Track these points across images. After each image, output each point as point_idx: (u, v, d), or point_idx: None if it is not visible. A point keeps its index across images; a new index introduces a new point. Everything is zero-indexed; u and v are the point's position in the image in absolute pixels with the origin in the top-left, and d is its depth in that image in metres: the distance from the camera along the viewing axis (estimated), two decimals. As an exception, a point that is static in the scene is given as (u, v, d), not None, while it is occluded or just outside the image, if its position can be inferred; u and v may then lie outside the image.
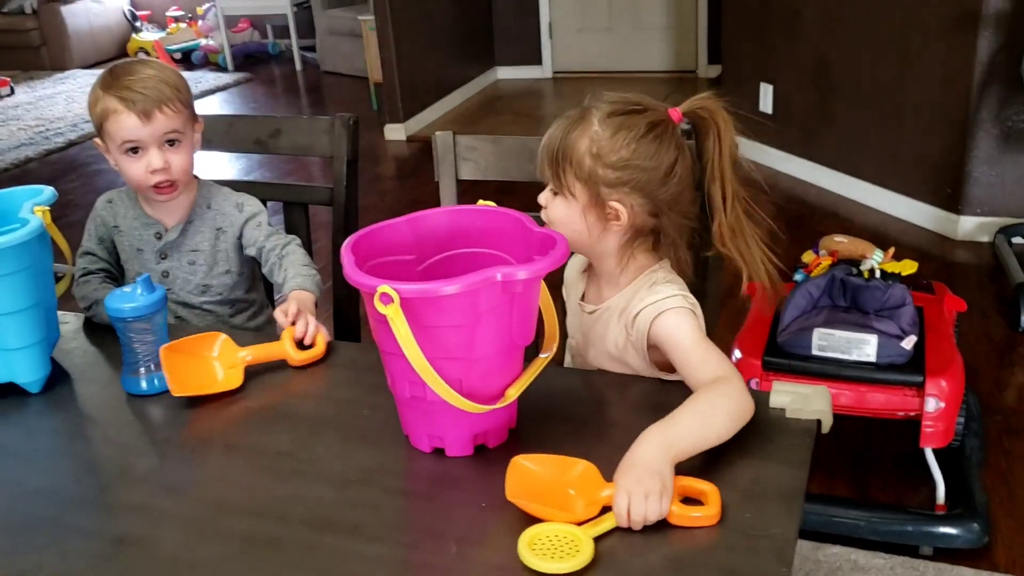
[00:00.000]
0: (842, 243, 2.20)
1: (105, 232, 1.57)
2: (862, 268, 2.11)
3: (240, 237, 1.58)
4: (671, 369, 1.23)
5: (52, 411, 1.27)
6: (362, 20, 5.62)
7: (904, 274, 2.11)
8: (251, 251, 1.58)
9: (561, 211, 1.24)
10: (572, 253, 1.27)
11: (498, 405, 1.06)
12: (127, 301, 1.23)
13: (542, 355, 1.14)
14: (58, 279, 1.41)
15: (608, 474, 0.98)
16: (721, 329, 1.72)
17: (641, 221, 1.25)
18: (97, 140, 1.53)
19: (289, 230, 1.77)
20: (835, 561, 1.90)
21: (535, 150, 1.33)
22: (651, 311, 1.22)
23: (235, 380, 1.26)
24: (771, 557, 0.90)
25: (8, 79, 6.83)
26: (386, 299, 0.98)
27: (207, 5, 7.61)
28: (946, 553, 1.90)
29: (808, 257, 2.20)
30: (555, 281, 1.19)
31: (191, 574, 0.94)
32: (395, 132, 5.14)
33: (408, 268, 1.17)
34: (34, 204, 1.28)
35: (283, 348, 1.32)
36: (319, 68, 6.99)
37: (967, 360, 2.00)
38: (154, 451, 1.17)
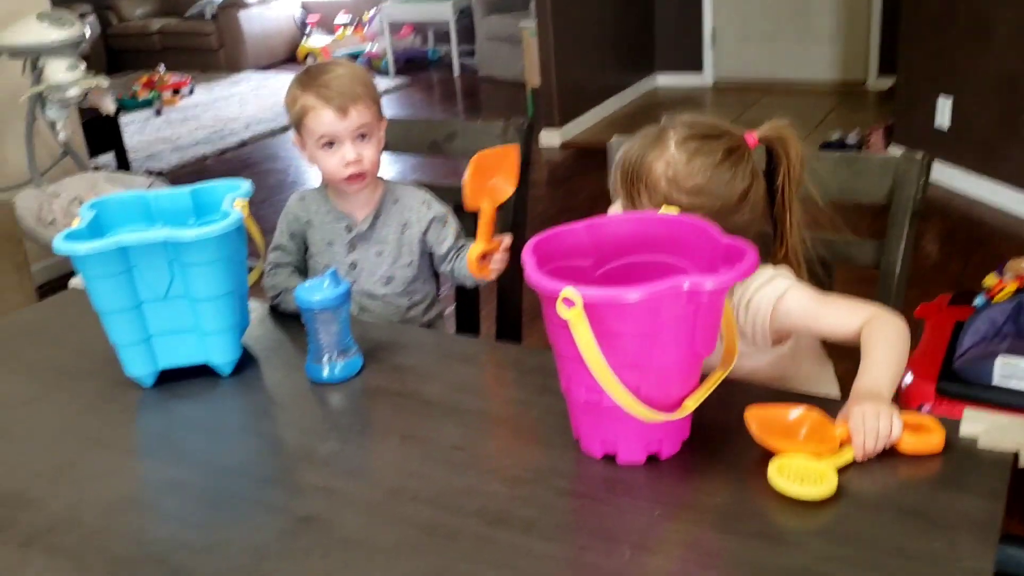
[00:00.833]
0: (1030, 267, 2.08)
1: (297, 227, 1.66)
2: (1051, 294, 1.98)
3: (426, 232, 1.65)
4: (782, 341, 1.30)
5: (241, 392, 1.34)
6: (522, 26, 5.69)
7: (1099, 302, 1.97)
8: (438, 248, 1.65)
9: None
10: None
11: (675, 416, 1.05)
12: (315, 293, 1.29)
13: (720, 369, 1.12)
14: (249, 270, 1.49)
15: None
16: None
17: None
18: (294, 137, 1.61)
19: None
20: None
21: None
22: (765, 298, 1.26)
23: None
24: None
25: (188, 79, 7.27)
26: (568, 303, 0.99)
27: (373, 11, 7.88)
28: None
29: (991, 281, 2.09)
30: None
31: (372, 556, 0.97)
32: (550, 138, 5.18)
33: (585, 273, 1.18)
34: (234, 197, 1.36)
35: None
36: (476, 73, 7.13)
37: None
38: (335, 436, 1.22)
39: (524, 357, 1.40)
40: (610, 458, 1.10)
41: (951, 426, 1.07)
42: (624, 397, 1.01)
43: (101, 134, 4.56)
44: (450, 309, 1.87)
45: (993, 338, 1.92)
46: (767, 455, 1.04)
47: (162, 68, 7.28)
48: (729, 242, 1.10)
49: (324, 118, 1.52)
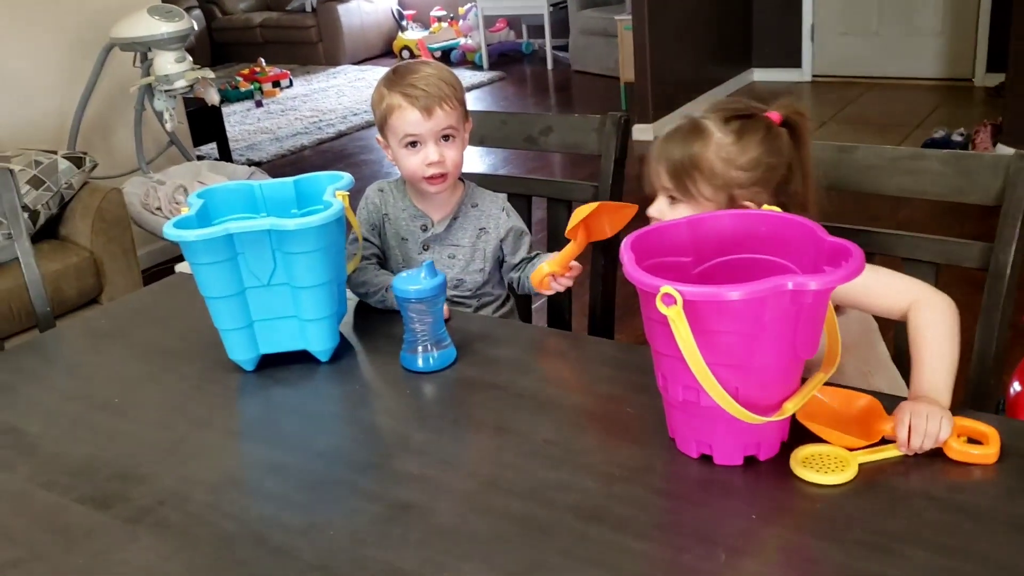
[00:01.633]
0: None
1: (376, 218, 1.66)
2: None
3: (503, 240, 1.65)
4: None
5: (338, 379, 1.37)
6: (618, 20, 5.66)
7: None
8: (511, 259, 1.66)
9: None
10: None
11: (774, 418, 1.03)
12: (412, 283, 1.30)
13: (823, 371, 1.10)
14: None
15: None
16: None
17: None
18: (378, 136, 1.62)
19: (551, 225, 1.82)
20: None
21: (819, 155, 1.38)
22: None
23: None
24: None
25: (288, 72, 7.44)
26: (668, 300, 0.98)
27: (468, 5, 7.93)
28: None
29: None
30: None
31: (467, 546, 0.98)
32: (643, 132, 5.13)
33: (684, 270, 1.17)
34: (335, 189, 1.39)
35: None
36: (570, 67, 7.11)
37: None
38: (430, 425, 1.23)
39: (619, 353, 1.40)
40: (706, 458, 1.08)
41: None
42: (723, 397, 1.00)
43: (204, 124, 4.70)
44: (541, 302, 1.88)
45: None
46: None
47: (263, 61, 7.46)
48: (834, 241, 1.07)
49: (409, 117, 1.52)
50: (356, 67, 7.97)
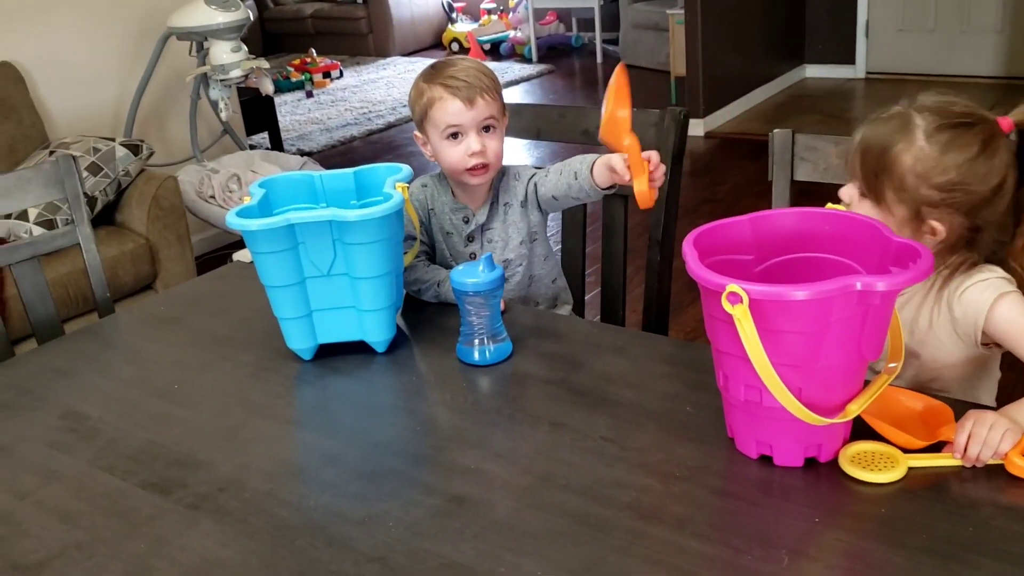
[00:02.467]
0: None
1: (423, 214, 1.66)
2: None
3: (524, 199, 1.62)
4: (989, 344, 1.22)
5: (394, 371, 1.38)
6: (670, 14, 5.61)
7: None
8: (545, 189, 1.59)
9: (874, 217, 1.19)
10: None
11: (838, 419, 1.02)
12: (470, 276, 1.30)
13: (888, 369, 1.08)
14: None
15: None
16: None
17: (957, 236, 1.21)
18: (417, 133, 1.62)
19: (606, 220, 1.81)
20: None
21: None
22: (984, 295, 1.18)
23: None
24: None
25: (339, 63, 7.48)
26: (734, 299, 0.97)
27: (519, -2, 7.92)
28: None
29: None
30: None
31: (523, 541, 0.98)
32: (694, 127, 5.09)
33: (746, 268, 1.15)
34: (395, 180, 1.39)
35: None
36: (619, 61, 7.06)
37: None
38: (485, 419, 1.23)
39: (676, 350, 1.39)
40: (766, 459, 1.07)
41: None
42: (787, 397, 0.98)
43: (256, 114, 4.75)
44: (594, 293, 1.86)
45: None
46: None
47: (314, 51, 7.52)
48: (901, 242, 1.05)
49: (451, 108, 1.52)
50: (406, 59, 7.99)
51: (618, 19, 6.99)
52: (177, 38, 3.55)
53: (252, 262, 1.39)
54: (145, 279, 3.02)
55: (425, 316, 1.52)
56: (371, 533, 1.02)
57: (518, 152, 4.80)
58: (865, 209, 1.23)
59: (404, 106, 6.26)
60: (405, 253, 1.50)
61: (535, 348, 1.38)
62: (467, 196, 1.64)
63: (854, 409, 1.03)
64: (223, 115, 3.65)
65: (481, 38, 7.83)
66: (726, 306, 0.97)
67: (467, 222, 1.64)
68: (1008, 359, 1.25)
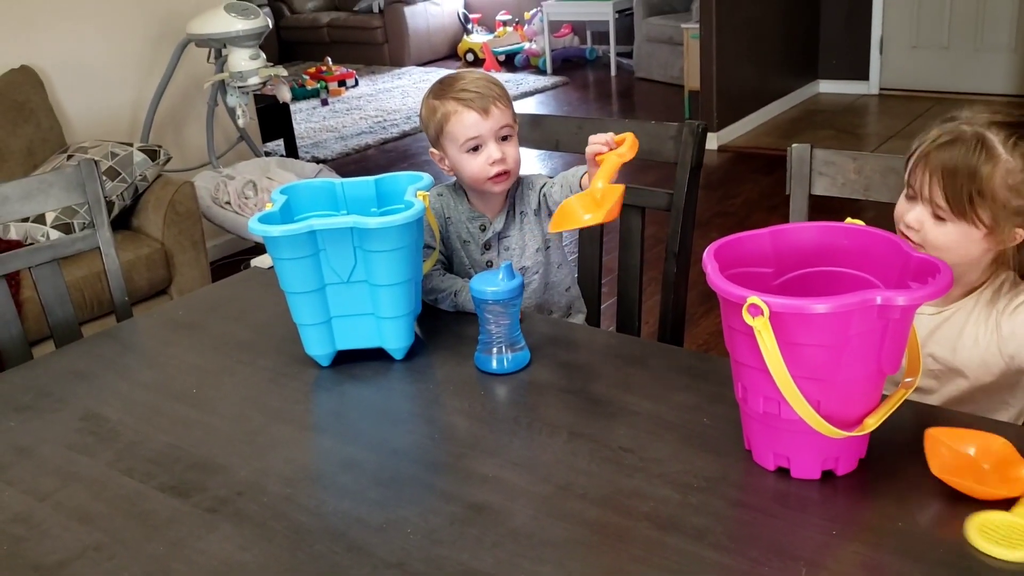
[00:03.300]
0: None
1: (440, 223, 1.67)
2: None
3: (538, 208, 1.64)
4: None
5: (412, 378, 1.38)
6: (685, 28, 5.63)
7: None
8: (553, 196, 1.60)
9: (953, 237, 1.22)
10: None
11: (856, 433, 1.02)
12: (489, 284, 1.31)
13: (906, 381, 1.08)
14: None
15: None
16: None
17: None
18: (433, 150, 1.63)
19: (623, 231, 1.81)
20: None
21: (900, 168, 1.33)
22: None
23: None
24: None
25: (354, 72, 7.52)
26: (755, 311, 0.97)
27: (534, 10, 7.94)
28: None
29: None
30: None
31: (541, 550, 0.98)
32: (707, 141, 5.09)
33: (765, 281, 1.16)
34: (416, 189, 1.40)
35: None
36: (633, 74, 7.08)
37: None
38: (503, 428, 1.24)
39: (693, 362, 1.39)
40: (783, 471, 1.07)
41: None
42: (806, 410, 0.99)
43: (272, 121, 4.77)
44: (608, 303, 1.87)
45: None
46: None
47: (329, 60, 7.56)
48: (921, 258, 1.06)
49: (467, 120, 1.53)
50: (421, 68, 8.03)
51: (632, 32, 7.02)
52: (196, 45, 3.58)
53: (270, 268, 1.40)
54: (160, 284, 3.03)
55: (442, 324, 1.53)
56: (390, 539, 1.02)
57: (532, 163, 4.81)
58: (949, 232, 1.23)
59: (419, 115, 6.28)
60: (424, 261, 1.51)
61: (553, 357, 1.38)
62: (484, 204, 1.65)
63: (872, 423, 1.03)
64: (240, 122, 3.68)
65: (496, 49, 7.86)
66: (747, 318, 0.97)
67: (484, 230, 1.65)
68: None
